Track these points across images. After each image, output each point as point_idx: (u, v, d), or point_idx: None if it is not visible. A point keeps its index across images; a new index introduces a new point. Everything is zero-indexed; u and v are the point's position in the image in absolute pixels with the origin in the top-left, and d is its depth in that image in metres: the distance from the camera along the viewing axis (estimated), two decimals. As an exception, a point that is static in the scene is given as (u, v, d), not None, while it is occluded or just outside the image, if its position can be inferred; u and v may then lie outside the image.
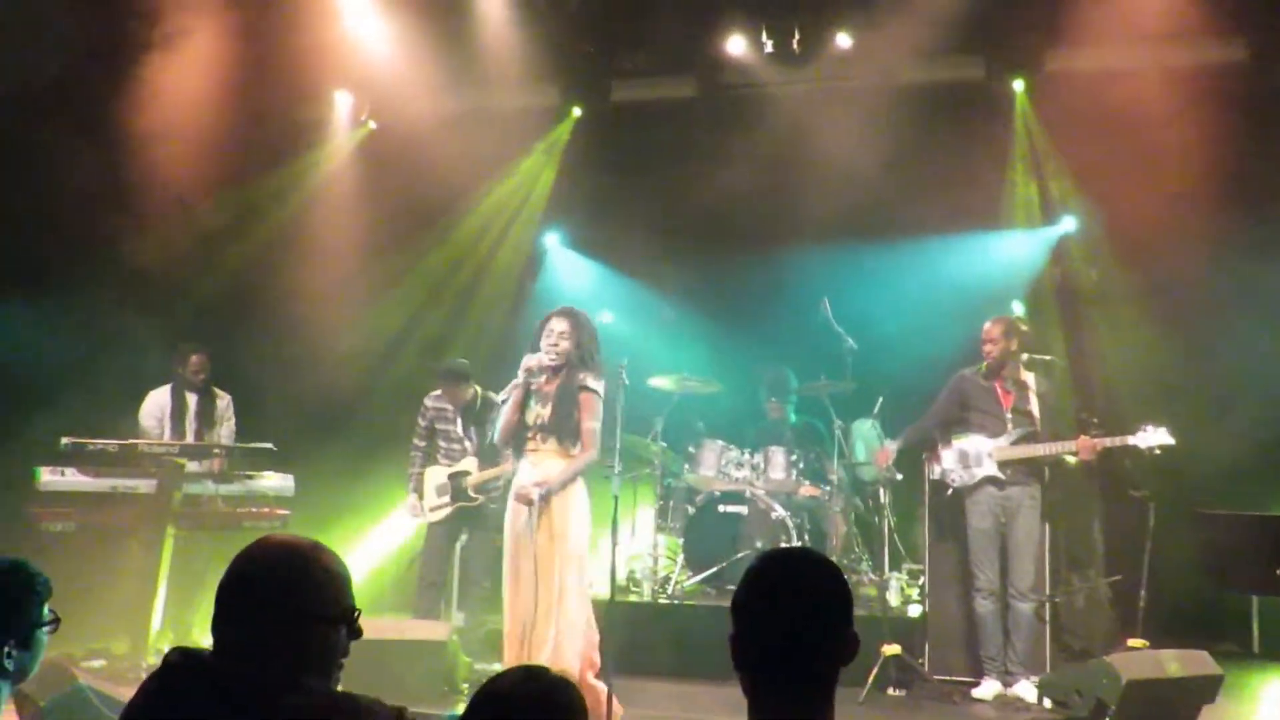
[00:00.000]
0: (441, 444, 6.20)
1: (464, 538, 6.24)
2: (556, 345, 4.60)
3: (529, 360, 4.61)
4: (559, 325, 4.64)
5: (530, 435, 4.65)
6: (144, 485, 5.52)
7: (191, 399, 6.31)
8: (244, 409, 6.50)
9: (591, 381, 4.61)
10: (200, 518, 5.70)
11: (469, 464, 6.08)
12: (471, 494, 5.99)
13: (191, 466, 5.75)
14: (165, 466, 5.58)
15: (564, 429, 4.58)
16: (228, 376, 6.52)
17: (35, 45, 6.24)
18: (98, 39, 6.60)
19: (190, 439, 6.18)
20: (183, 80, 6.84)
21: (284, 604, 1.79)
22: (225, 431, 6.36)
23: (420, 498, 6.19)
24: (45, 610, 1.98)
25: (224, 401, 6.42)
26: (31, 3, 6.17)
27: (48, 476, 5.32)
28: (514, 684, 1.75)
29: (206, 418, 6.30)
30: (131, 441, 5.63)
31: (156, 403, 6.26)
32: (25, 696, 3.94)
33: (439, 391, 6.22)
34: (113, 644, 5.75)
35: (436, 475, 6.16)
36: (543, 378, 4.64)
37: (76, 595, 5.58)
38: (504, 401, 4.69)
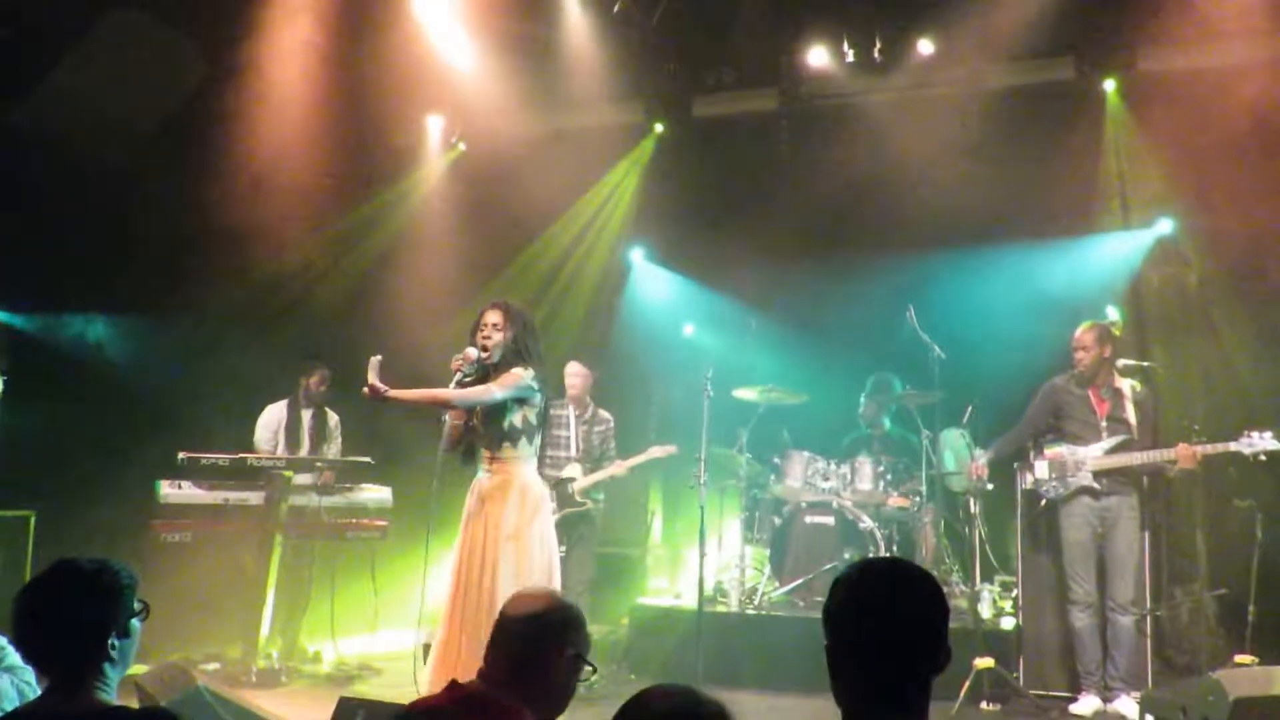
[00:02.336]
0: (549, 452, 6.20)
1: (563, 549, 6.38)
2: (490, 337, 4.34)
3: (466, 354, 4.32)
4: (492, 317, 4.38)
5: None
6: (253, 497, 5.79)
7: (306, 415, 6.53)
8: (347, 424, 6.70)
9: (519, 367, 4.32)
10: (306, 528, 5.93)
11: (573, 470, 6.23)
12: (579, 499, 6.14)
13: (299, 479, 5.96)
14: (272, 479, 5.83)
15: (493, 431, 4.33)
16: (333, 392, 6.76)
17: (145, 86, 6.60)
18: (199, 75, 6.92)
19: (303, 454, 6.38)
20: (282, 112, 7.11)
21: (572, 645, 2.24)
22: (333, 449, 6.56)
23: None
24: (135, 601, 2.17)
25: (334, 420, 6.62)
26: (138, 45, 6.50)
27: (166, 489, 5.59)
28: (673, 704, 1.65)
29: (318, 434, 6.51)
30: (241, 456, 5.84)
31: (273, 417, 6.49)
32: (149, 696, 4.16)
33: (563, 399, 6.34)
34: (227, 648, 6.03)
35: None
36: (472, 374, 4.34)
37: (194, 602, 5.91)
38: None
